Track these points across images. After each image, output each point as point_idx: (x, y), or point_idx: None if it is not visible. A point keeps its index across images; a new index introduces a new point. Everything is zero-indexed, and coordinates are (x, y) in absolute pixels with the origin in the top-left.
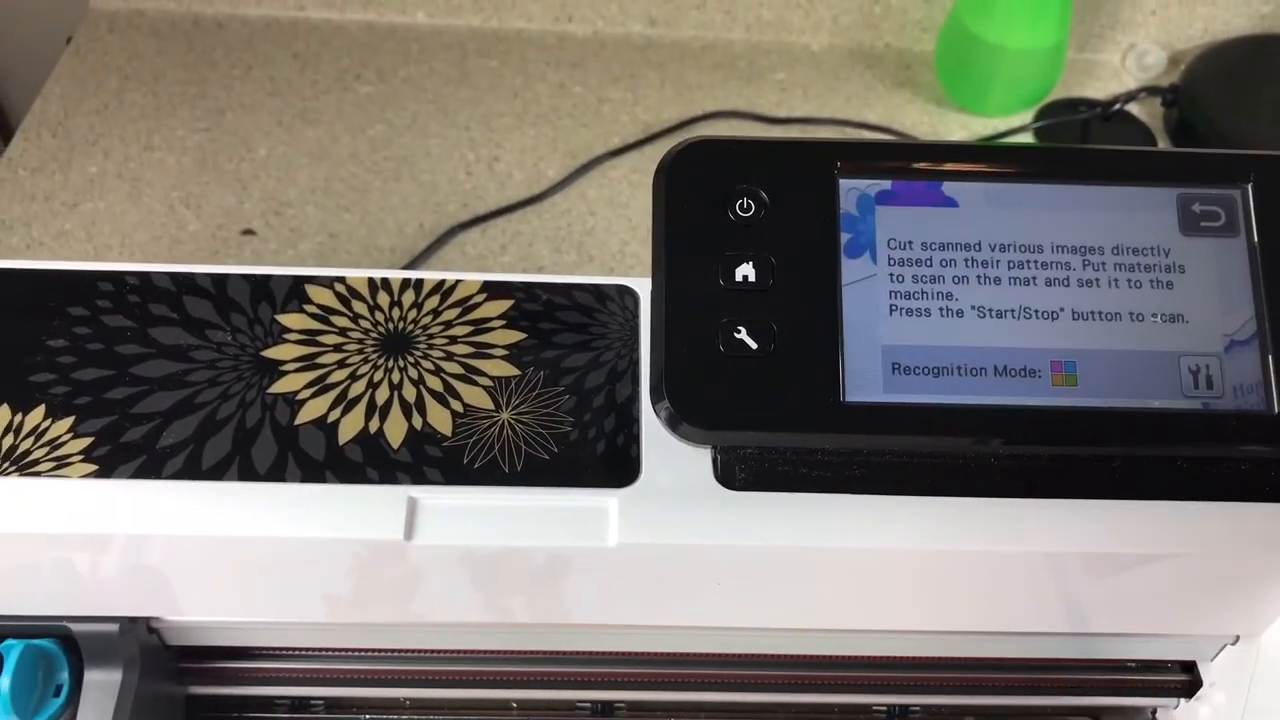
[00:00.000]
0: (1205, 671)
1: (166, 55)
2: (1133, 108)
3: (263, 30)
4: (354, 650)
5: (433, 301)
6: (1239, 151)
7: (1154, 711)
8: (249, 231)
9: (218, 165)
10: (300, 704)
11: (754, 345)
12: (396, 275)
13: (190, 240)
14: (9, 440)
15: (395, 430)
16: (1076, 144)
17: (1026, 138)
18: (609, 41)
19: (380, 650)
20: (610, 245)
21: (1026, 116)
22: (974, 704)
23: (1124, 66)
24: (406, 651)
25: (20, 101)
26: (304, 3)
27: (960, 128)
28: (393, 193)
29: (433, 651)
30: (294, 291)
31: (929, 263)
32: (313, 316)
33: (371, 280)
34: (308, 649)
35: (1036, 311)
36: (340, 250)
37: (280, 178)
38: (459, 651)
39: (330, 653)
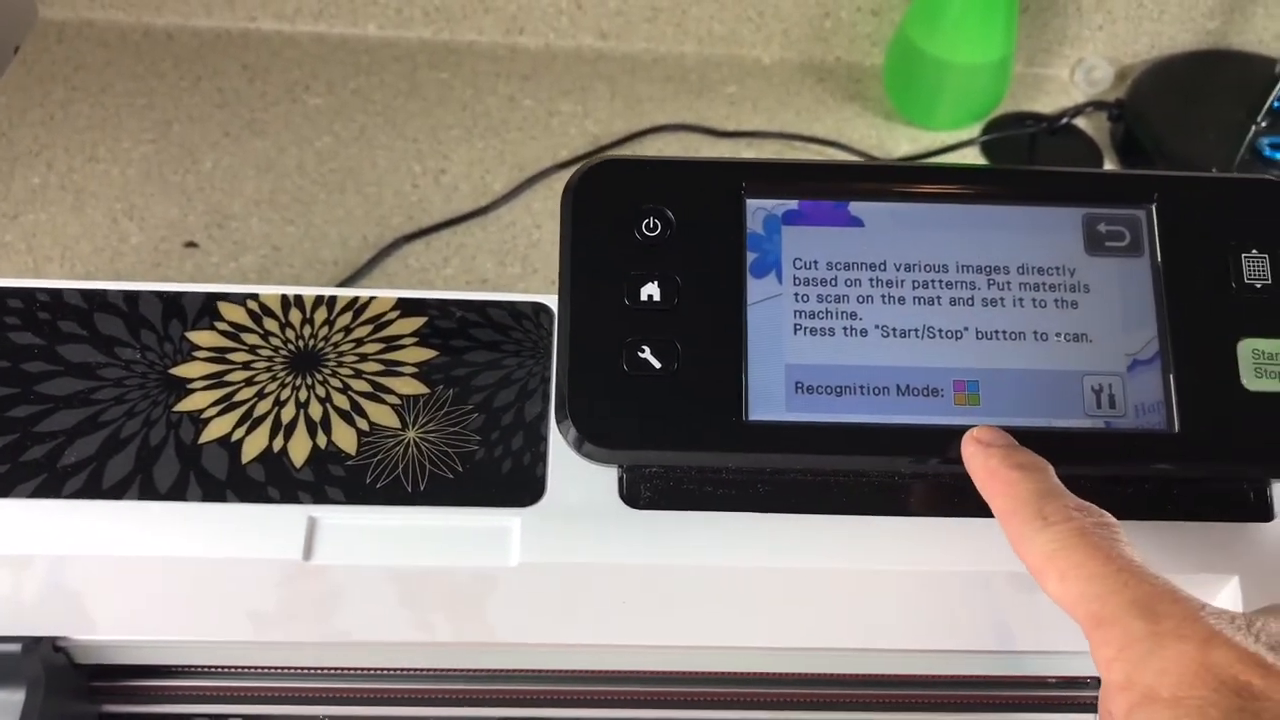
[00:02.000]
0: None
1: (115, 66)
2: (1080, 122)
3: (212, 41)
4: (270, 668)
5: (345, 319)
6: (1143, 171)
7: None
8: (191, 244)
9: (163, 177)
10: None
11: (658, 365)
12: (310, 292)
13: (132, 253)
14: None
15: (299, 449)
16: (1019, 160)
17: (974, 151)
18: (560, 54)
19: (297, 668)
20: (554, 258)
21: (974, 130)
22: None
23: (1072, 81)
24: (324, 670)
25: None
26: (255, 14)
27: (909, 141)
28: (337, 205)
29: (351, 670)
30: (206, 308)
31: (834, 282)
32: (223, 334)
33: (285, 297)
34: (223, 667)
35: (940, 331)
36: (283, 263)
37: (225, 190)
38: (377, 670)
39: (246, 670)
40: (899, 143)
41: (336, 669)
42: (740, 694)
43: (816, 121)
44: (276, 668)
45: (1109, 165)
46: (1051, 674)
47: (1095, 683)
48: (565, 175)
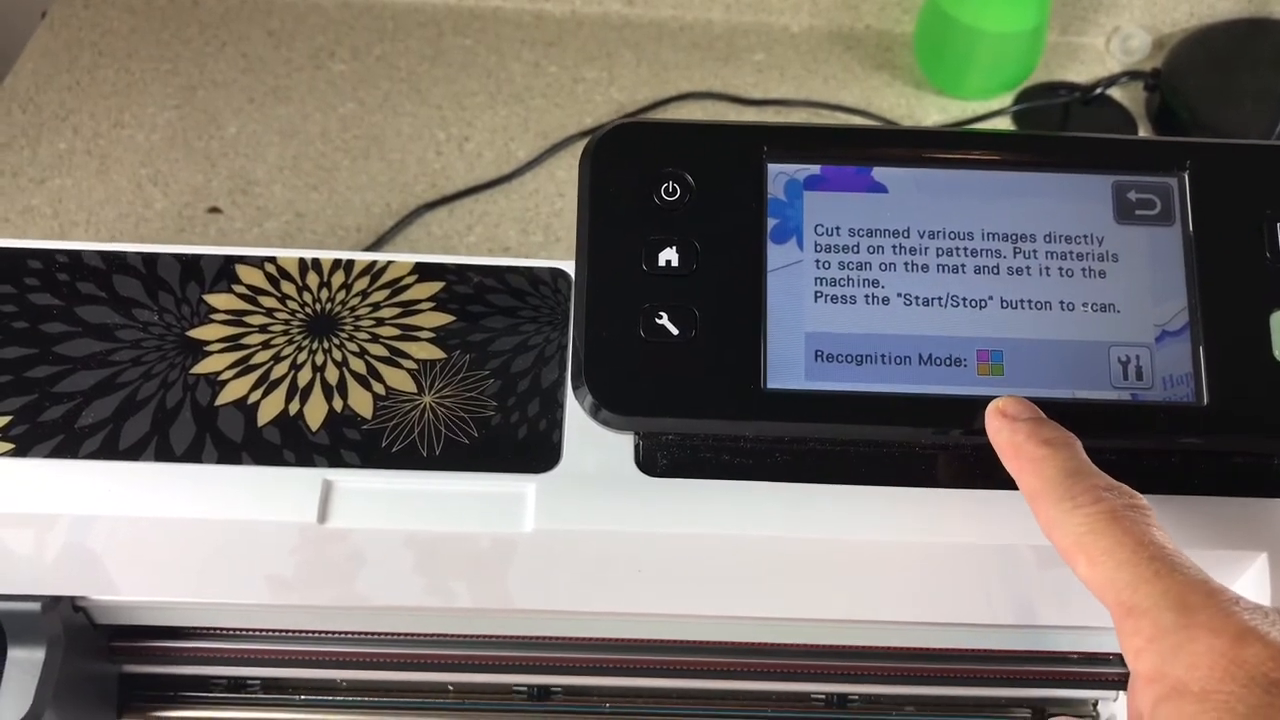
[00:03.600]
0: None
1: (141, 32)
2: (1114, 92)
3: (237, 7)
4: (290, 631)
5: (362, 283)
6: (1175, 139)
7: (1095, 704)
8: (215, 209)
9: (187, 143)
10: (236, 684)
11: (676, 331)
12: (328, 255)
13: (156, 218)
14: None
15: (315, 412)
16: (1052, 129)
17: (1005, 121)
18: (586, 21)
19: (317, 632)
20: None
21: (1005, 100)
22: (913, 694)
23: (1108, 50)
24: (342, 633)
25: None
26: None
27: (938, 110)
28: (361, 172)
29: (368, 634)
30: (224, 271)
31: (856, 249)
32: (240, 297)
33: (302, 260)
34: (243, 629)
35: (964, 300)
36: (306, 229)
37: (249, 156)
38: (394, 634)
39: (266, 633)
40: (929, 112)
41: (353, 633)
42: (754, 664)
43: (845, 90)
44: (294, 631)
45: (1142, 134)
46: (1074, 649)
47: (1118, 659)
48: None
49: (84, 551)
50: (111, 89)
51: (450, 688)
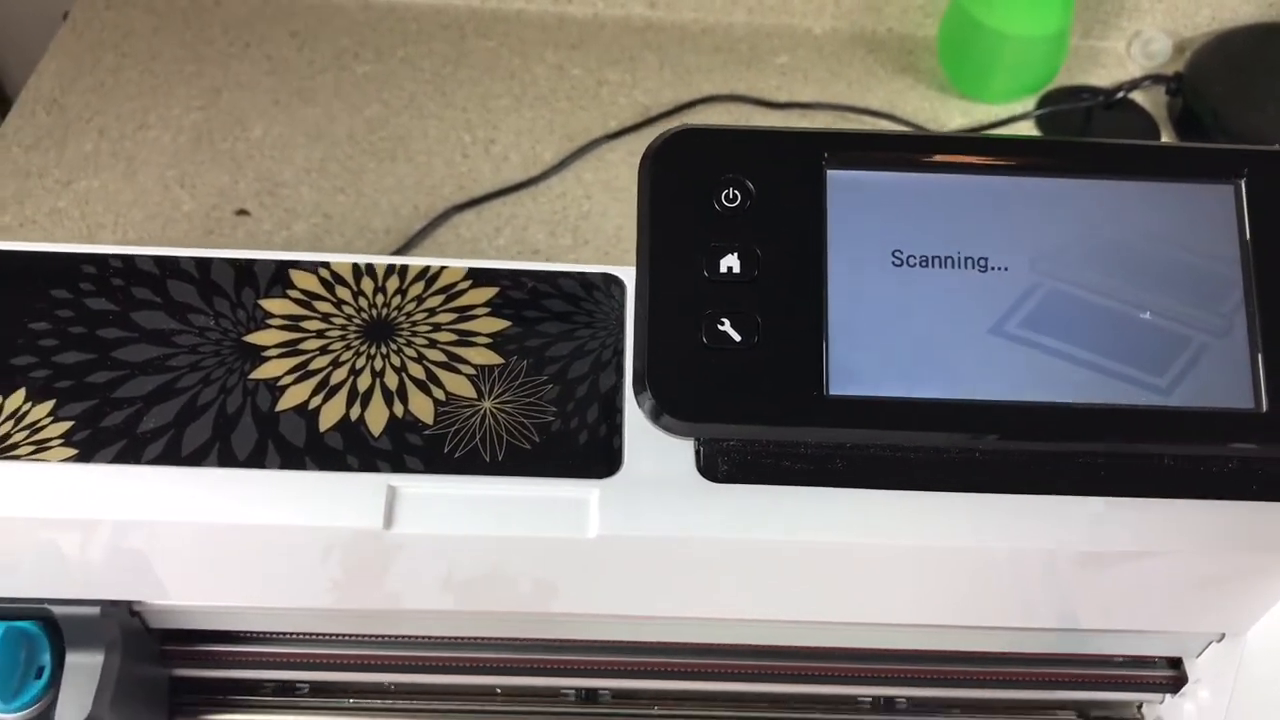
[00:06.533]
0: (1191, 668)
1: (163, 33)
2: (1136, 96)
3: (260, 8)
4: (339, 635)
5: (417, 288)
6: (1234, 146)
7: (1140, 706)
8: (243, 212)
9: (213, 144)
10: (285, 688)
11: (738, 338)
12: (381, 261)
13: (184, 220)
14: None
15: (376, 418)
16: (1074, 134)
17: (1028, 125)
18: (608, 23)
19: (365, 635)
20: (605, 229)
21: (1029, 104)
22: (960, 697)
23: (1129, 54)
24: (391, 637)
25: (16, 77)
26: None
27: (962, 114)
28: (388, 174)
29: (418, 638)
30: (278, 276)
31: (916, 255)
32: (296, 302)
33: (356, 266)
34: (293, 633)
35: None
36: (334, 231)
37: (275, 158)
38: (444, 638)
39: (316, 637)
40: (952, 115)
41: (403, 637)
42: (801, 668)
43: (869, 93)
44: (344, 635)
45: (1166, 140)
46: (1118, 653)
47: (1163, 662)
48: (615, 146)
49: (145, 557)
50: (136, 90)
51: (499, 691)
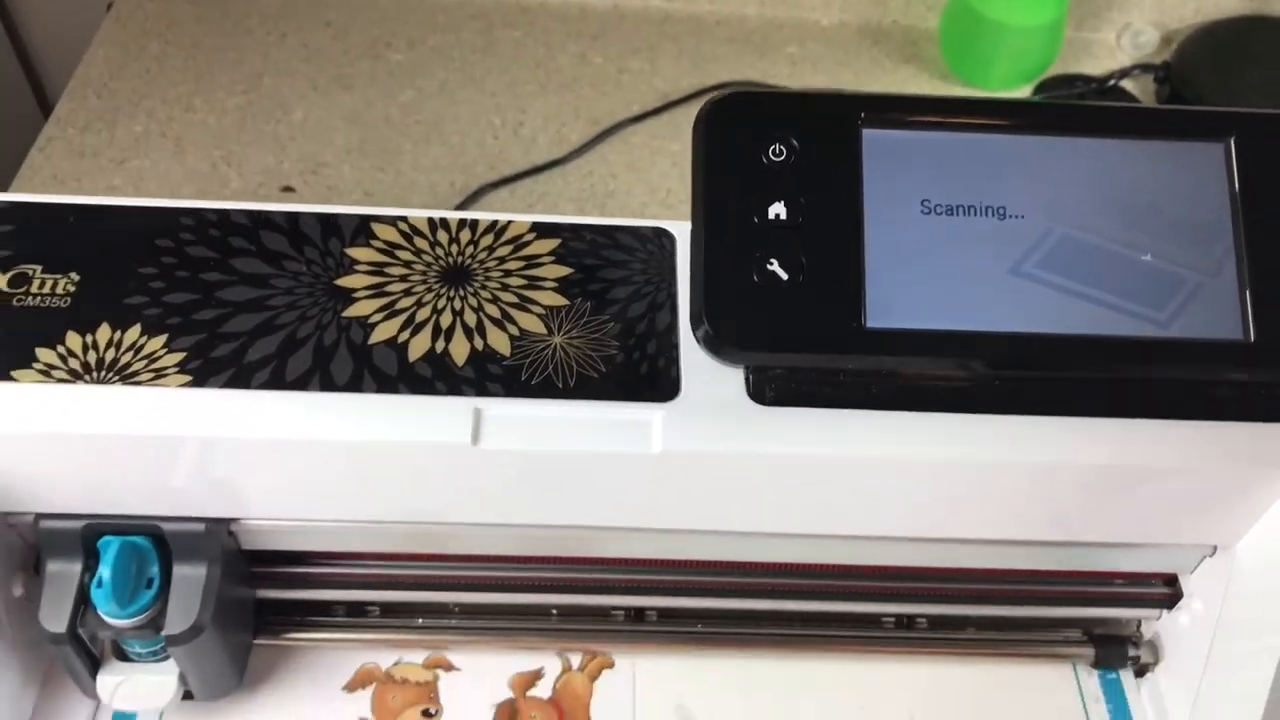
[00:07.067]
0: (1186, 584)
1: (204, 23)
2: (1127, 84)
3: (295, 1)
4: (410, 558)
5: (487, 239)
6: (1224, 110)
7: (1139, 625)
8: (288, 189)
9: (256, 127)
10: (357, 609)
11: (785, 276)
12: (454, 215)
13: (233, 196)
14: (110, 354)
15: (459, 350)
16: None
17: None
18: (628, 14)
19: (434, 557)
20: (631, 206)
21: (1026, 91)
22: (976, 614)
23: (1119, 45)
24: (458, 559)
25: (62, 67)
26: None
27: None
28: (424, 154)
29: (482, 558)
30: (360, 229)
31: (943, 204)
32: (379, 250)
33: (431, 219)
34: (368, 554)
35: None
36: (376, 207)
37: (317, 139)
38: (505, 559)
39: (387, 559)
40: None
41: (471, 559)
42: (847, 586)
43: (875, 82)
44: (415, 557)
45: None
46: (1119, 570)
47: (1158, 580)
48: (637, 129)
49: (248, 475)
50: (180, 76)
51: (554, 611)
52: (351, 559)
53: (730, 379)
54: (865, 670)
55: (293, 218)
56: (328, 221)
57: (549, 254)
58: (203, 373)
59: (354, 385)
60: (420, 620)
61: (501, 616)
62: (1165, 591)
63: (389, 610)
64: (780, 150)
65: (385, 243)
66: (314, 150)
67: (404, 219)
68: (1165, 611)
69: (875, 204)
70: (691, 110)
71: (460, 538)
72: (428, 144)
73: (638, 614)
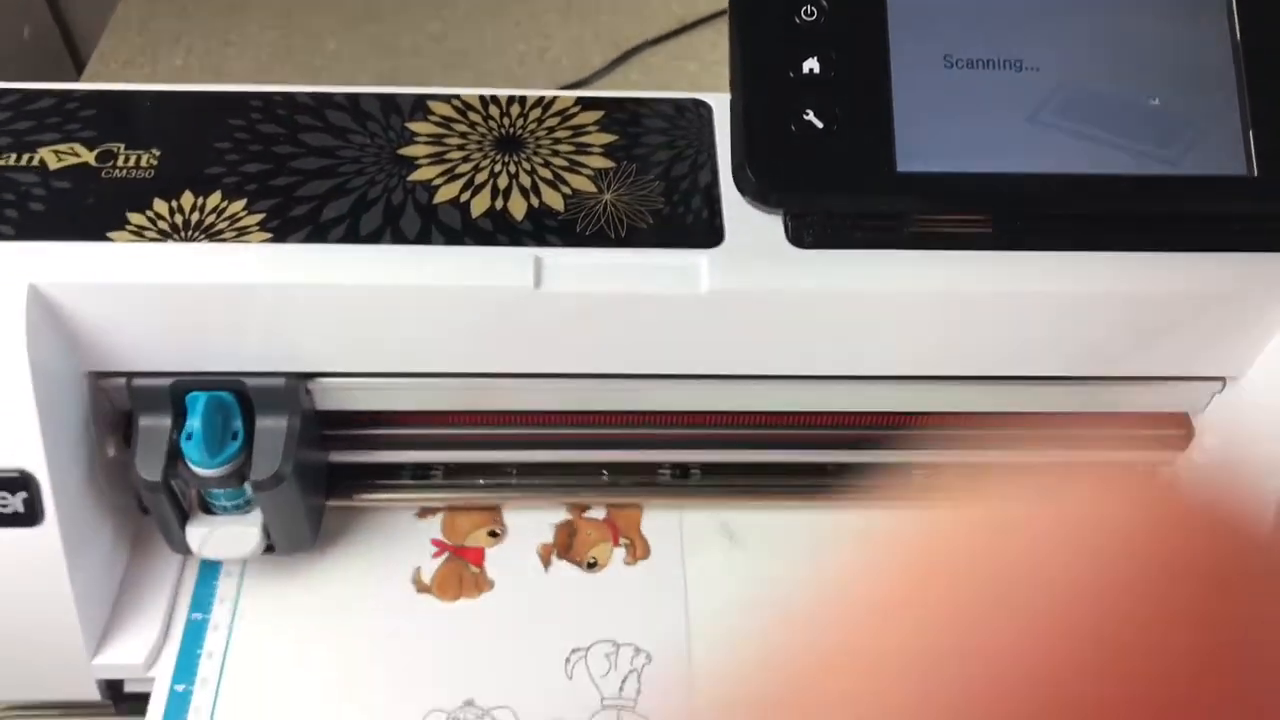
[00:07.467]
0: (1198, 423)
1: None
2: None
3: None
4: (469, 419)
5: (536, 112)
6: None
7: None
8: None
9: (292, 58)
10: (422, 471)
11: (820, 125)
12: (504, 93)
13: None
14: (196, 216)
15: (517, 207)
16: None
17: None
18: None
19: (491, 418)
20: None
21: None
22: (996, 460)
23: None
24: (513, 417)
25: (94, 13)
26: None
27: None
28: (454, 79)
29: (536, 416)
30: (418, 106)
31: (972, 56)
32: (436, 124)
33: (483, 97)
34: (430, 414)
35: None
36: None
37: (352, 68)
38: (558, 416)
39: (449, 421)
40: None
41: (527, 416)
42: (880, 436)
43: None
44: (478, 416)
45: None
46: (1133, 410)
47: (1170, 421)
48: (657, 50)
49: (325, 327)
50: (214, 12)
51: (604, 471)
52: (416, 421)
53: (770, 226)
54: (897, 520)
55: (353, 98)
56: (387, 100)
57: (594, 123)
58: (283, 230)
59: (423, 239)
60: (481, 480)
61: (556, 475)
62: (1178, 433)
63: (452, 471)
64: (811, 10)
65: (441, 117)
66: (350, 77)
67: (457, 96)
68: (1179, 454)
69: (901, 58)
70: (706, 33)
71: (518, 391)
72: (457, 70)
73: (683, 472)
